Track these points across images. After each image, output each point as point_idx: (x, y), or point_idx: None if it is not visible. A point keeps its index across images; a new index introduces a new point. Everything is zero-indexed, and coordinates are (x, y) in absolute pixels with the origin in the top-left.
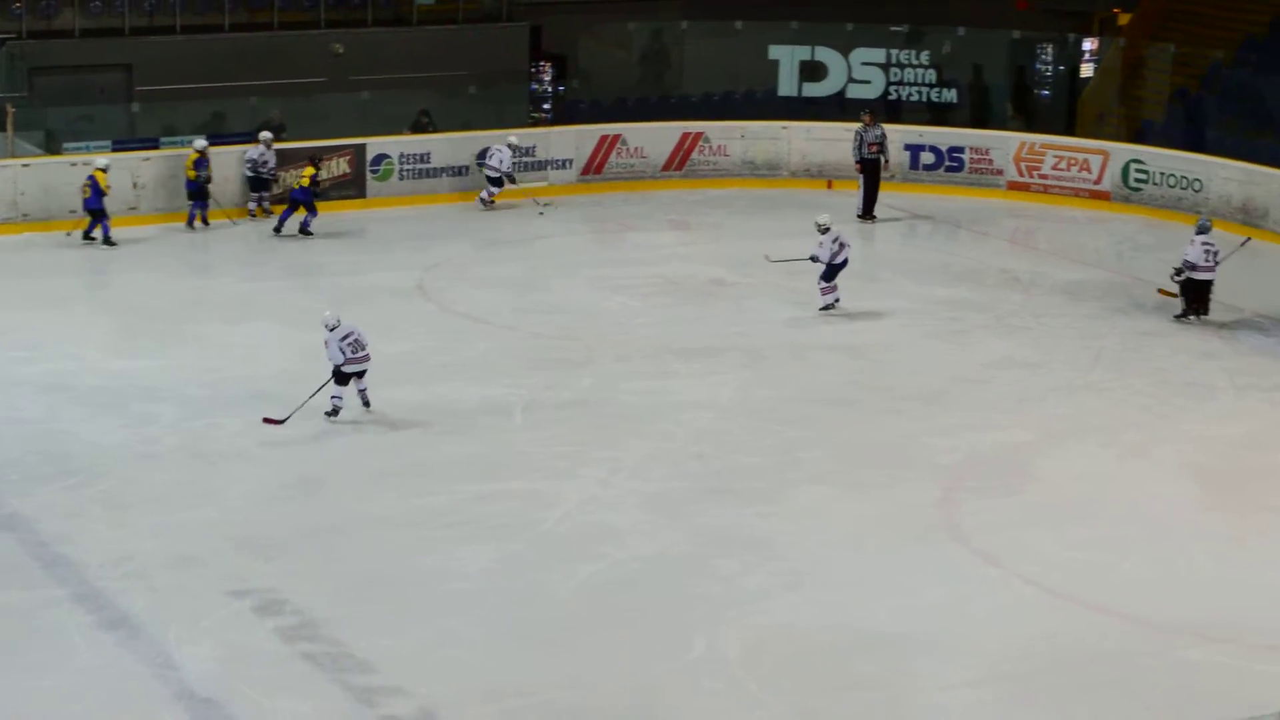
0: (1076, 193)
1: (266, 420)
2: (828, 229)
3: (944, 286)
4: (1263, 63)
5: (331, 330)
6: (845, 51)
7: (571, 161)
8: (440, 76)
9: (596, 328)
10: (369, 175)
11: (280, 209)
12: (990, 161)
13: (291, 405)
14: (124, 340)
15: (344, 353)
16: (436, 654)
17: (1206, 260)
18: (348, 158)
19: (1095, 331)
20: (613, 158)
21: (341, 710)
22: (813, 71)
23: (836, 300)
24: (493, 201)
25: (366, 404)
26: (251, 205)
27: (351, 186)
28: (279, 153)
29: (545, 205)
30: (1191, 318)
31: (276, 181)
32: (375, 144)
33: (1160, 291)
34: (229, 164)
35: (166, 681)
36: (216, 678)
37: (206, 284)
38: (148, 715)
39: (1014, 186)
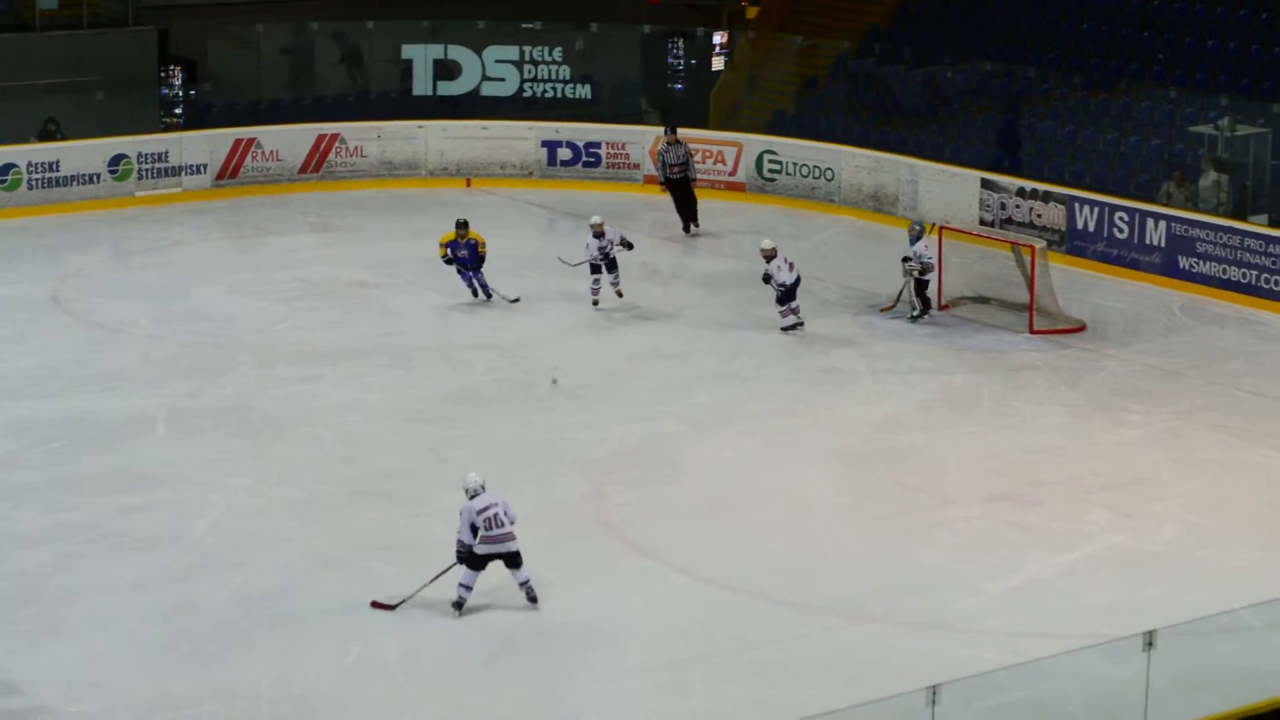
0: (713, 184)
1: (376, 605)
2: (774, 252)
3: (586, 280)
4: (886, 52)
5: (471, 498)
6: (479, 49)
7: (206, 166)
8: (67, 83)
9: (239, 334)
10: None
11: None
12: (627, 156)
13: None
14: None
15: (476, 529)
16: (84, 671)
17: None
18: None
19: (735, 322)
20: (248, 161)
21: None
22: (447, 70)
23: (799, 322)
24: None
25: (533, 599)
26: None
27: None
28: None
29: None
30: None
31: None
32: (1, 153)
33: (884, 310)
34: None
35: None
36: None
37: None
38: None
39: (651, 180)
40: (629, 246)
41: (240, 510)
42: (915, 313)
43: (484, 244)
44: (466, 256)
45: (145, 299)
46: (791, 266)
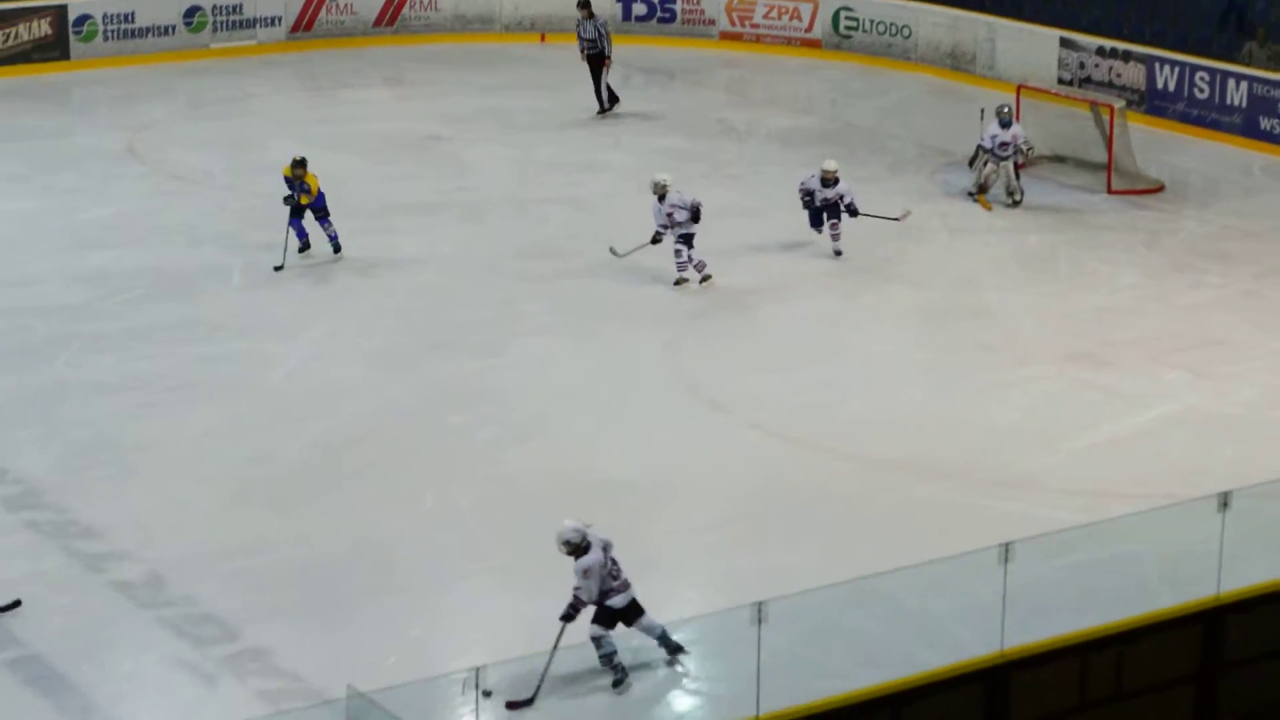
0: (789, 41)
1: (511, 706)
2: (836, 175)
3: (661, 137)
4: None
5: (583, 553)
6: None
7: (280, 19)
8: None
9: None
10: (72, 36)
11: None
12: (702, 12)
13: None
14: None
15: (599, 582)
16: (163, 518)
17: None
18: (49, 19)
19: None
20: (322, 15)
21: (69, 576)
22: None
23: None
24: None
25: (676, 652)
26: None
27: (54, 48)
28: None
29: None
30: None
31: None
32: (77, 4)
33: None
34: None
35: None
36: None
37: None
38: None
39: (726, 36)
40: (696, 216)
41: (316, 360)
42: (1019, 197)
43: (317, 186)
44: (297, 199)
45: (220, 151)
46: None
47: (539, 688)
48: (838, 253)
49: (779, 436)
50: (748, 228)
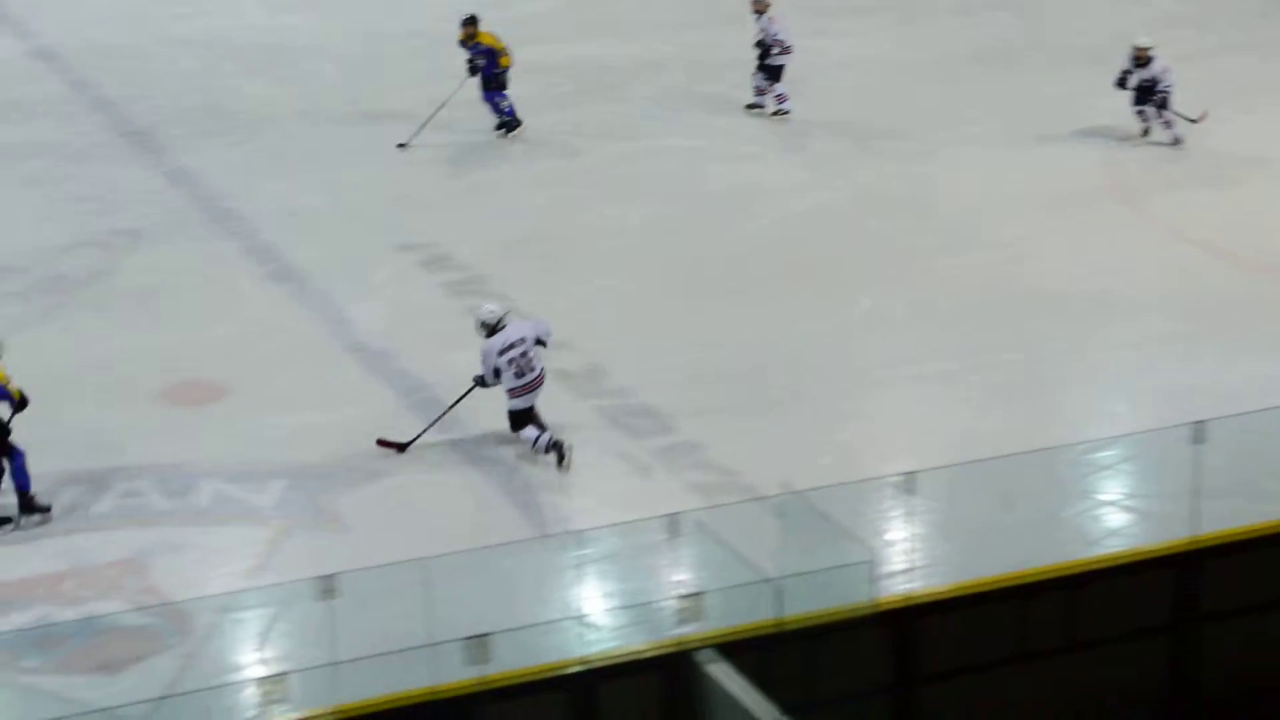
0: None
1: (382, 443)
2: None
3: None
4: None
5: (489, 335)
6: None
7: None
8: None
9: None
10: None
11: None
12: None
13: None
14: None
15: (499, 372)
16: (599, 310)
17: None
18: None
19: None
20: None
21: None
22: None
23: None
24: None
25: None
26: None
27: None
28: None
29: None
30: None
31: None
32: None
33: None
34: None
35: (338, 334)
36: (387, 331)
37: None
38: (321, 367)
39: None
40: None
41: (748, 161)
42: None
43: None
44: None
45: None
46: None
47: (414, 441)
48: (1175, 140)
49: (1221, 254)
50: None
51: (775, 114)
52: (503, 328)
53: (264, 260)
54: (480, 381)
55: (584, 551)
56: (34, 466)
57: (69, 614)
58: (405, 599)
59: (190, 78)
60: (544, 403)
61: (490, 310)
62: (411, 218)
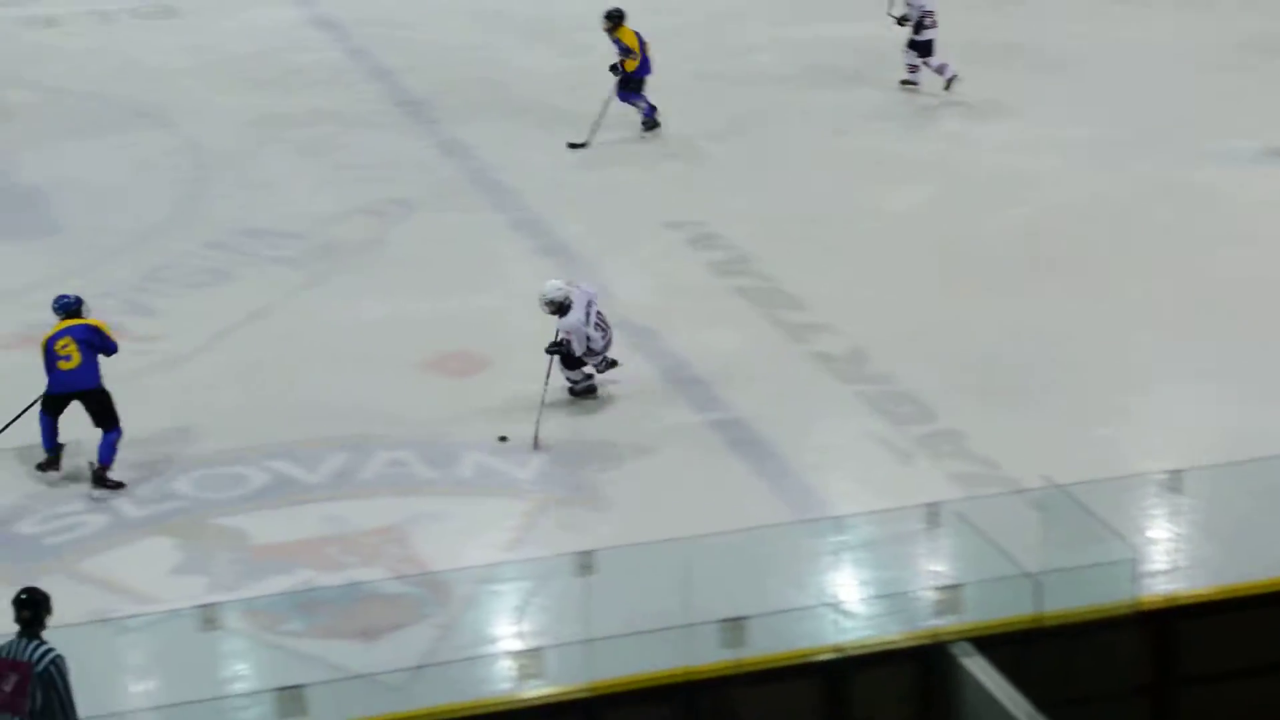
0: None
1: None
2: None
3: None
4: None
5: (564, 313)
6: None
7: None
8: None
9: None
10: None
11: None
12: None
13: None
14: None
15: (583, 341)
16: (864, 294)
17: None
18: None
19: None
20: None
21: (772, 344)
22: None
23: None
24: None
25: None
26: None
27: None
28: None
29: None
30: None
31: None
32: None
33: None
34: None
35: (603, 309)
36: (652, 307)
37: None
38: None
39: None
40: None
41: (1014, 148)
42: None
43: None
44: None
45: None
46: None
47: (538, 422)
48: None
49: None
50: None
51: (947, 86)
52: (570, 304)
53: (533, 233)
54: (565, 355)
55: (842, 538)
56: (299, 432)
57: (331, 579)
58: (661, 578)
59: (466, 50)
60: (807, 384)
61: (557, 287)
62: (679, 195)
